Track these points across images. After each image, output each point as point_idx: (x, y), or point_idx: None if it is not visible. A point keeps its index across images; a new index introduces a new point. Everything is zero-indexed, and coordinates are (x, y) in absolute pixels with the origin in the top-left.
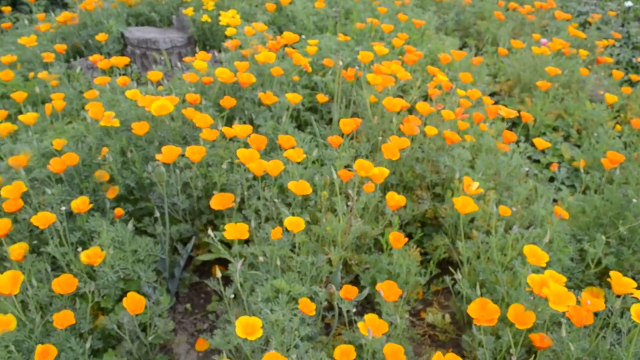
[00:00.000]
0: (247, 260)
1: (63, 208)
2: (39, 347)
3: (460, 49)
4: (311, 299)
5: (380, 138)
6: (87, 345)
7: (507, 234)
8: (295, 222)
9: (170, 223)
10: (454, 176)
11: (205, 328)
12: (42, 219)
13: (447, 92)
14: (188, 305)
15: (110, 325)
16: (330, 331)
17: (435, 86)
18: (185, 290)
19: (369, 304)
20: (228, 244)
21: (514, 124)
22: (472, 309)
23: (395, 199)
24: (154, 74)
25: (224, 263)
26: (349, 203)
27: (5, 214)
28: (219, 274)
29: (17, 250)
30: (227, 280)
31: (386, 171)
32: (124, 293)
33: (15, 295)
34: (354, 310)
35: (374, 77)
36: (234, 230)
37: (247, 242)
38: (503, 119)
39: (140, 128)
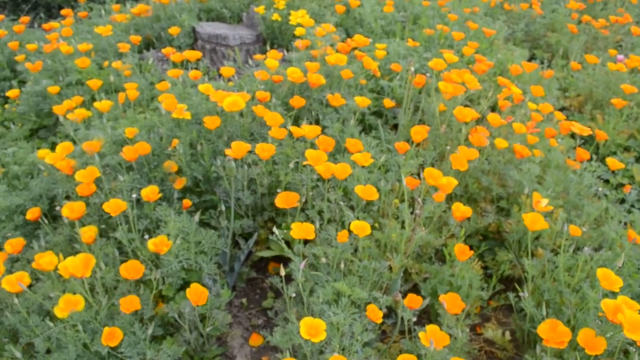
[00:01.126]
0: (308, 261)
1: (134, 196)
2: (106, 329)
3: (529, 60)
4: (370, 304)
5: (448, 147)
6: (149, 331)
7: (575, 255)
8: (361, 227)
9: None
10: (521, 191)
11: (260, 324)
12: (114, 206)
13: (518, 104)
14: (244, 300)
15: (172, 313)
16: (386, 338)
17: (505, 97)
18: (242, 285)
19: (424, 314)
20: (287, 243)
21: (583, 141)
22: (542, 330)
23: (461, 210)
24: (227, 70)
25: (279, 260)
26: (417, 211)
27: (77, 197)
28: (283, 272)
29: (88, 233)
30: (284, 279)
31: (454, 182)
32: (185, 283)
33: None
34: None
35: (445, 85)
36: (300, 230)
37: (305, 242)
38: (573, 136)
39: (211, 122)
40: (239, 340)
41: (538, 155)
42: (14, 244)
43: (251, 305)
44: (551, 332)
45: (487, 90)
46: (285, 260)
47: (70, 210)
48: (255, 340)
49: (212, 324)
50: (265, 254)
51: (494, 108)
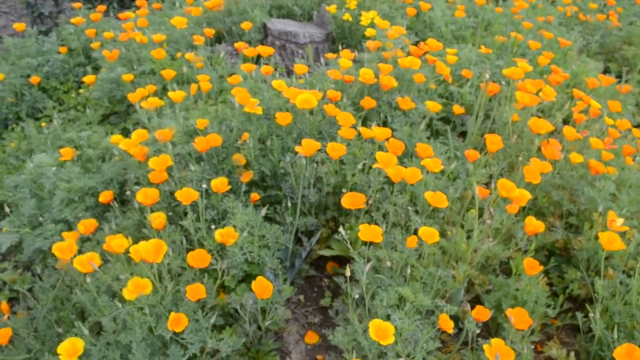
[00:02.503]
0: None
1: (204, 186)
2: (172, 314)
3: (603, 73)
4: (432, 312)
5: (520, 159)
6: (212, 320)
7: None
8: (429, 233)
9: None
10: (593, 208)
11: (316, 322)
12: (186, 195)
13: (594, 118)
14: (301, 297)
15: (234, 304)
16: (444, 347)
17: (581, 111)
18: (301, 282)
19: (484, 326)
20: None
21: None
22: (619, 354)
23: (533, 224)
24: (300, 67)
25: (338, 260)
26: (487, 221)
27: (147, 183)
28: (348, 273)
29: (158, 219)
30: (348, 279)
31: (528, 195)
32: (246, 275)
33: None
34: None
35: (522, 95)
36: (368, 232)
37: (366, 243)
38: None
39: (283, 118)
40: (294, 336)
41: (613, 173)
42: (87, 224)
43: (308, 302)
44: (628, 357)
45: (561, 102)
46: (343, 261)
47: (144, 196)
48: (311, 337)
49: (272, 318)
50: (326, 252)
51: (566, 120)
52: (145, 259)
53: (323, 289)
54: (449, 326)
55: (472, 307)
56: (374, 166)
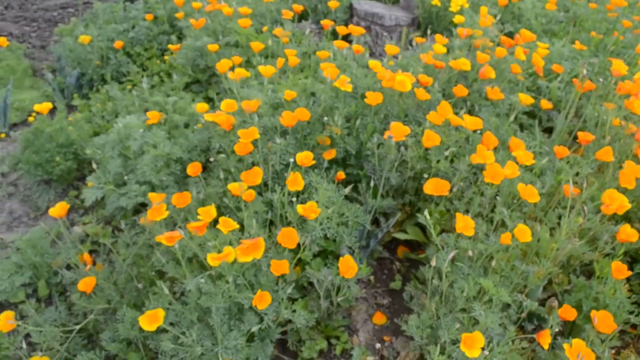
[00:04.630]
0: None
1: (291, 160)
2: (259, 292)
3: None
4: (508, 305)
5: (613, 160)
6: (289, 290)
7: None
8: (523, 231)
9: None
10: None
11: (385, 304)
12: (293, 182)
13: None
14: (372, 278)
15: (312, 278)
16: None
17: None
18: (373, 262)
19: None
20: (422, 229)
21: None
22: None
23: (627, 232)
24: (391, 48)
25: (409, 245)
26: (581, 220)
27: (232, 153)
28: (434, 263)
29: (248, 191)
30: (413, 264)
31: (627, 204)
32: (322, 250)
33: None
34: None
35: (636, 103)
36: (461, 224)
37: (442, 230)
38: None
39: (373, 98)
40: (363, 315)
41: None
42: (180, 198)
43: (378, 284)
44: None
45: None
46: (415, 246)
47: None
48: (379, 318)
49: (344, 295)
50: (401, 236)
51: None
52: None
53: (393, 272)
54: (546, 342)
55: (564, 307)
56: (472, 159)
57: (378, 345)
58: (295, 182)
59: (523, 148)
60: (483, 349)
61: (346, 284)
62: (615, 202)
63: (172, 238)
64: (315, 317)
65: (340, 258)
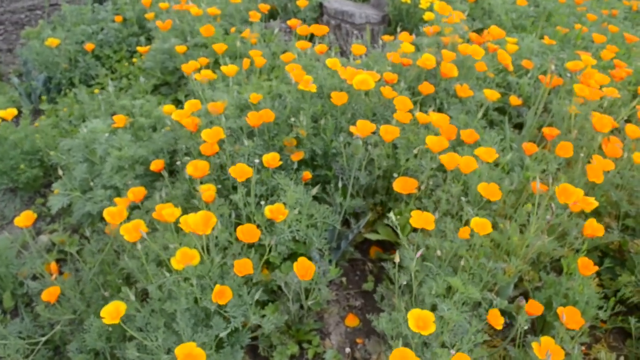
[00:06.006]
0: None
1: (257, 161)
2: (217, 287)
3: None
4: (479, 304)
5: (581, 155)
6: (257, 295)
7: None
8: (482, 224)
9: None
10: None
11: (357, 305)
12: (239, 172)
13: None
14: (344, 279)
15: (279, 281)
16: (487, 341)
17: None
18: (344, 264)
19: (531, 324)
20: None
21: None
22: None
23: (593, 226)
24: (358, 48)
25: (382, 245)
26: (548, 217)
27: (198, 155)
28: (397, 259)
29: (208, 192)
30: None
31: (594, 203)
32: (292, 253)
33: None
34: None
35: (580, 87)
36: (420, 219)
37: (415, 230)
38: None
39: (338, 98)
40: (335, 318)
41: None
42: (136, 192)
43: (350, 285)
44: None
45: (623, 100)
46: (387, 246)
47: (194, 168)
48: (352, 320)
49: (314, 298)
50: (372, 236)
51: (627, 119)
52: (195, 231)
53: (365, 273)
54: (498, 322)
55: (529, 302)
56: (425, 147)
57: (347, 350)
58: (241, 172)
59: (477, 138)
60: (447, 346)
61: (316, 287)
62: (572, 196)
63: (133, 231)
64: (285, 320)
65: (295, 260)
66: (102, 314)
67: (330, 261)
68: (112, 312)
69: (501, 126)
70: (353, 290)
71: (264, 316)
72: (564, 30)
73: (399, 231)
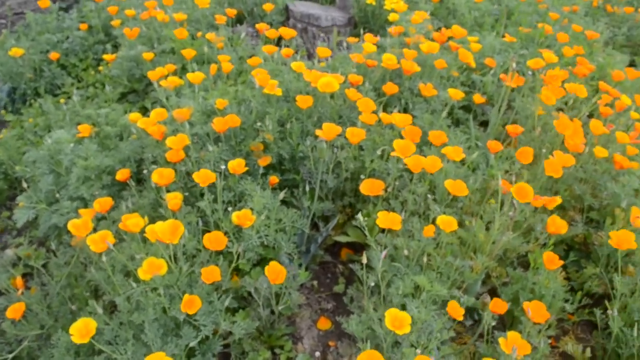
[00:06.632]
0: (387, 251)
1: (223, 167)
2: (186, 296)
3: (629, 67)
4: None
5: (544, 151)
6: (226, 302)
7: None
8: (447, 222)
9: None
10: (616, 203)
11: (329, 308)
12: (203, 177)
13: (619, 112)
14: (315, 283)
15: (249, 287)
16: (458, 339)
17: (606, 104)
18: (315, 267)
19: (500, 319)
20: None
21: None
22: None
23: (556, 224)
24: (323, 50)
25: (353, 247)
26: (510, 213)
27: (165, 162)
28: (364, 260)
29: (174, 200)
30: (364, 267)
31: (558, 200)
32: (261, 259)
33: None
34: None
35: (546, 95)
36: (386, 219)
37: (383, 231)
38: None
39: (303, 101)
40: (307, 322)
41: (638, 168)
42: (103, 203)
43: (321, 288)
44: None
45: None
46: (358, 248)
47: (159, 175)
48: (324, 324)
49: (285, 303)
50: (342, 239)
51: (590, 114)
52: (161, 240)
53: (337, 276)
54: (458, 313)
55: (494, 300)
56: (392, 154)
57: (317, 354)
58: (205, 177)
59: (445, 140)
60: (414, 345)
61: (286, 292)
62: (528, 195)
63: (100, 243)
64: (256, 326)
65: (265, 265)
66: (70, 331)
67: (300, 265)
68: (82, 329)
69: (467, 124)
70: (324, 293)
71: (234, 322)
72: (526, 30)
73: (367, 232)
